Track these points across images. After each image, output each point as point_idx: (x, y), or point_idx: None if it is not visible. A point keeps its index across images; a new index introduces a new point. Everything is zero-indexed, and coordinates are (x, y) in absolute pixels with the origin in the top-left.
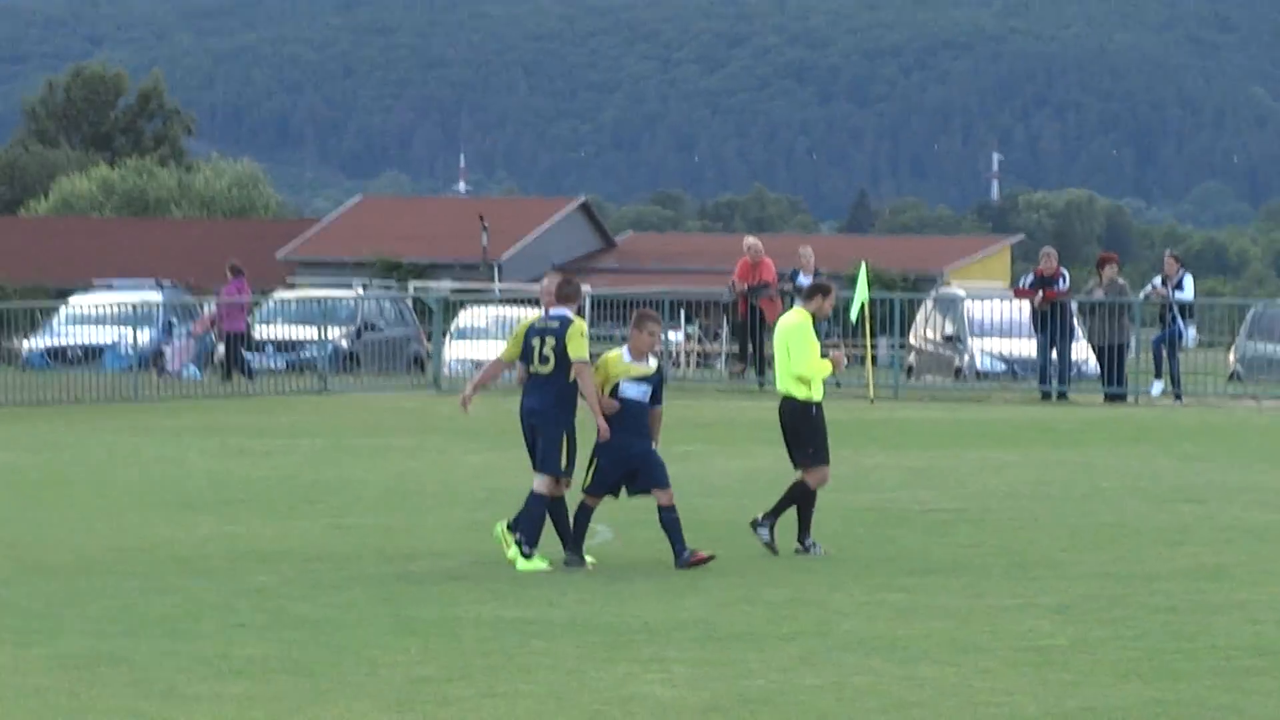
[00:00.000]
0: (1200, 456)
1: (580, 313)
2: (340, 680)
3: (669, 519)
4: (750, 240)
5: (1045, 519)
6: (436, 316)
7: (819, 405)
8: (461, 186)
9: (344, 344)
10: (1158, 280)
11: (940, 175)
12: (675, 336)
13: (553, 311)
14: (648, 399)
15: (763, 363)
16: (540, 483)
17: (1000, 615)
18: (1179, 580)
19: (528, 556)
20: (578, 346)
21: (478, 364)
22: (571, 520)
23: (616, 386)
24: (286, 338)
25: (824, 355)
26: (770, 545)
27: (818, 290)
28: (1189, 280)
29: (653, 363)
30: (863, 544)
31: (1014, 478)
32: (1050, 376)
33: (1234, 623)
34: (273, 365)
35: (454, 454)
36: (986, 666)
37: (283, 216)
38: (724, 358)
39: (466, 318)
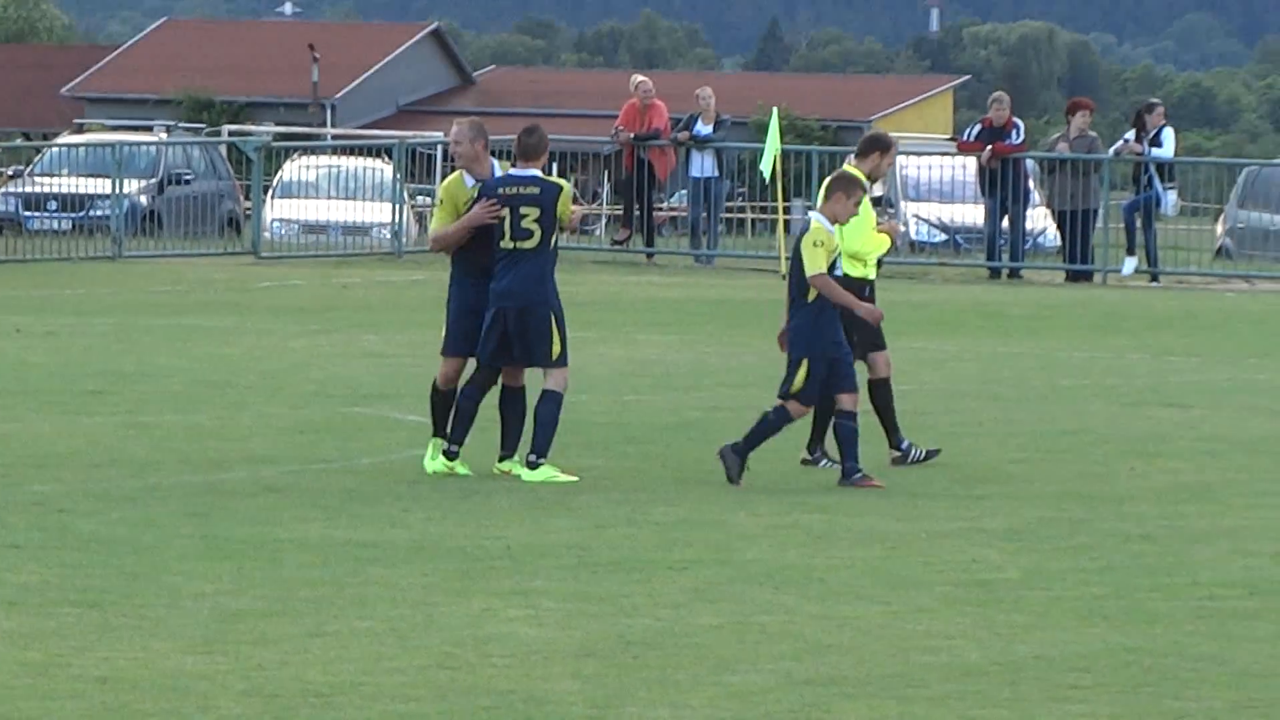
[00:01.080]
0: (1181, 350)
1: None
2: (135, 614)
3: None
4: (639, 79)
5: (993, 425)
6: (256, 167)
7: (873, 285)
8: (288, 8)
9: (143, 200)
10: (1130, 134)
11: (868, 1)
12: None
13: (519, 172)
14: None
15: (652, 229)
16: (556, 379)
17: (938, 542)
18: (1154, 502)
19: (534, 466)
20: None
21: (306, 226)
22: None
23: (833, 266)
24: (72, 191)
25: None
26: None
27: (875, 145)
28: (1169, 134)
29: None
30: (772, 455)
31: (955, 373)
32: (1000, 249)
33: (1220, 554)
34: (56, 226)
35: (276, 337)
36: (921, 604)
37: (69, 42)
38: (604, 222)
39: (292, 169)
